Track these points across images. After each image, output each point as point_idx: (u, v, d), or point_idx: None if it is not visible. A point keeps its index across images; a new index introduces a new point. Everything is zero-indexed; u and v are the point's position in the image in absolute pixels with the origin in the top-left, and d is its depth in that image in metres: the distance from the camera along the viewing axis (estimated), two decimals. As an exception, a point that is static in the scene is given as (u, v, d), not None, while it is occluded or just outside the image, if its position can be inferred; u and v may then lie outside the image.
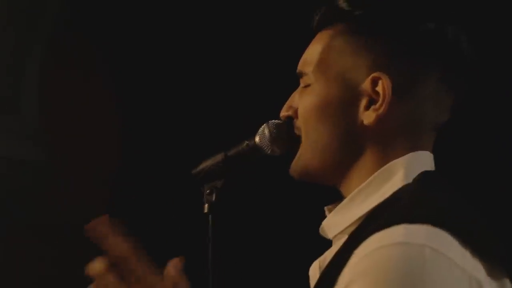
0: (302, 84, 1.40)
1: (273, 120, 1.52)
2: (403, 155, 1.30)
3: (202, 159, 1.64)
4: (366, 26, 1.32)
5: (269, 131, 1.51)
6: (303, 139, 1.39)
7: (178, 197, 2.53)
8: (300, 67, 1.41)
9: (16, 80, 2.81)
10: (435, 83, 1.32)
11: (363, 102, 1.31)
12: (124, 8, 2.85)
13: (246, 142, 1.56)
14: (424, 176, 1.27)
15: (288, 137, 1.45)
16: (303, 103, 1.38)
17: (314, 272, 1.35)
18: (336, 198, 1.42)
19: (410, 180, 1.27)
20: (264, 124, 1.53)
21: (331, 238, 1.34)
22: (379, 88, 1.29)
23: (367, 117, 1.30)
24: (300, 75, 1.41)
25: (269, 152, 1.52)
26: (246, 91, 2.71)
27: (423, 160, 1.31)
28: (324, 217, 1.41)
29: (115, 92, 2.85)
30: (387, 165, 1.29)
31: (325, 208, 1.42)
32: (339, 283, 1.14)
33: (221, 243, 1.60)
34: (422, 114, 1.32)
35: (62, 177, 2.80)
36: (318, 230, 1.41)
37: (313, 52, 1.38)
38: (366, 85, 1.31)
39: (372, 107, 1.30)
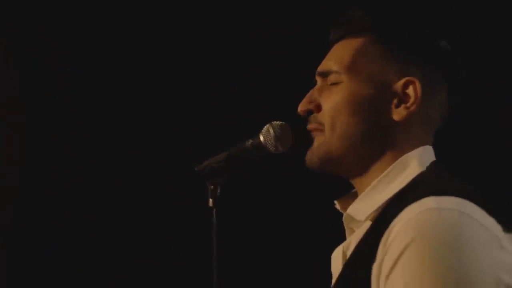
0: (327, 82, 1.55)
1: (275, 121, 1.64)
2: (413, 149, 1.49)
3: (205, 155, 1.73)
4: (393, 40, 1.53)
5: (274, 131, 1.63)
6: (328, 130, 1.52)
7: (184, 191, 2.58)
8: (326, 66, 1.56)
9: None
10: (445, 93, 1.54)
11: (394, 100, 1.50)
12: (127, 6, 2.88)
13: (251, 141, 1.67)
14: (436, 165, 1.49)
15: (303, 132, 1.58)
16: (333, 98, 1.52)
17: (337, 256, 1.51)
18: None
19: (424, 169, 1.46)
20: (268, 125, 1.66)
21: (361, 220, 1.47)
22: (409, 90, 1.49)
23: (398, 113, 1.49)
24: (326, 74, 1.55)
25: (273, 150, 1.65)
26: (246, 93, 2.77)
27: (430, 153, 1.52)
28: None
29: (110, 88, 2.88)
30: (403, 157, 1.48)
31: (336, 201, 1.57)
32: (379, 251, 1.30)
33: (225, 235, 1.69)
34: (434, 116, 1.53)
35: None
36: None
37: (342, 55, 1.54)
38: (397, 86, 1.50)
39: (403, 105, 1.49)
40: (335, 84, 1.53)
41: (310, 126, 1.55)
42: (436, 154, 1.53)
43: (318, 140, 1.53)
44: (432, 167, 1.47)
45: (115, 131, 2.89)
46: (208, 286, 1.69)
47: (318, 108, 1.54)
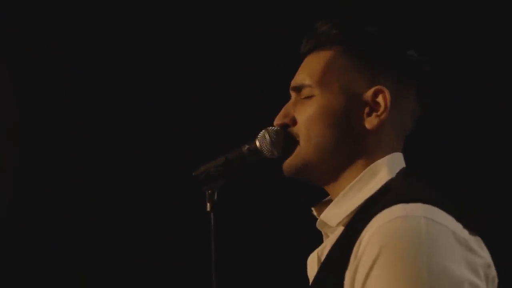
0: (301, 96, 1.61)
1: (271, 127, 1.67)
2: (383, 156, 1.55)
3: (202, 160, 1.76)
4: (361, 50, 1.58)
5: (269, 136, 1.67)
6: (303, 142, 1.58)
7: (181, 196, 2.60)
8: (299, 81, 1.61)
9: None
10: (413, 99, 1.60)
11: (366, 109, 1.55)
12: (126, 6, 2.89)
13: (247, 146, 1.71)
14: (405, 171, 1.55)
15: (285, 141, 1.63)
16: (307, 111, 1.58)
17: (313, 261, 1.57)
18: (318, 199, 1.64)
19: (393, 175, 1.52)
20: (263, 130, 1.70)
21: (333, 226, 1.53)
22: (379, 99, 1.55)
23: (370, 122, 1.54)
24: (299, 88, 1.61)
25: (268, 155, 1.68)
26: (242, 99, 2.80)
27: (399, 160, 1.58)
28: (311, 215, 1.63)
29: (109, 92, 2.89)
30: (373, 164, 1.54)
31: (312, 208, 1.65)
32: (351, 259, 1.35)
33: (223, 240, 1.73)
34: (404, 122, 1.60)
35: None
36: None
37: (313, 68, 1.60)
38: (367, 96, 1.55)
39: (374, 113, 1.54)
40: (308, 97, 1.58)
41: (292, 137, 1.61)
42: (407, 159, 1.58)
43: (298, 150, 1.59)
44: (401, 173, 1.53)
45: (114, 136, 2.90)
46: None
47: (293, 121, 1.60)
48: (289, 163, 1.60)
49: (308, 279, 1.58)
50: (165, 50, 2.91)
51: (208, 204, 1.73)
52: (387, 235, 1.31)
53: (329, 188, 1.60)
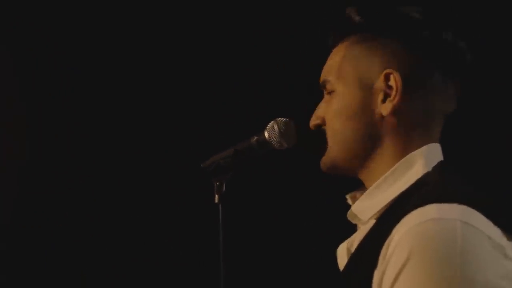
0: (326, 92, 1.59)
1: (280, 118, 1.67)
2: (419, 146, 1.48)
3: (210, 152, 1.76)
4: (375, 33, 1.53)
5: (278, 127, 1.66)
6: (330, 140, 1.56)
7: (190, 188, 2.59)
8: (323, 77, 1.59)
9: None
10: (439, 76, 1.51)
11: (380, 96, 1.50)
12: (126, 5, 2.90)
13: (256, 137, 1.70)
14: (442, 165, 1.47)
15: (319, 141, 1.59)
16: (330, 109, 1.55)
17: (342, 253, 1.54)
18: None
19: (430, 169, 1.45)
20: (272, 121, 1.69)
21: (364, 220, 1.50)
22: (391, 83, 1.49)
23: (384, 108, 1.49)
24: (324, 84, 1.59)
25: (277, 146, 1.68)
26: (251, 90, 2.79)
27: (437, 152, 1.51)
28: (344, 204, 1.60)
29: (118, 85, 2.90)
30: (408, 155, 1.47)
31: (347, 196, 1.60)
32: (380, 259, 1.30)
33: (231, 231, 1.72)
34: (431, 104, 1.51)
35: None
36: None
37: (333, 63, 1.57)
38: (380, 82, 1.50)
39: (388, 99, 1.49)
40: (332, 92, 1.56)
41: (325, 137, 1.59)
42: (446, 152, 1.52)
43: (328, 148, 1.57)
44: (438, 167, 1.46)
45: (119, 129, 2.89)
46: (215, 281, 1.72)
47: (324, 121, 1.58)
48: (323, 162, 1.58)
49: (335, 271, 1.55)
50: (163, 43, 2.90)
51: (216, 196, 1.73)
52: (417, 238, 1.26)
53: (363, 177, 1.55)
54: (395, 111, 1.49)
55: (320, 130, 1.59)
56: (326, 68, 1.60)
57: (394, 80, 1.48)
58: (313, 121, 1.60)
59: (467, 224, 1.26)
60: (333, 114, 1.54)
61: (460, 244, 1.23)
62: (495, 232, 1.29)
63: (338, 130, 1.53)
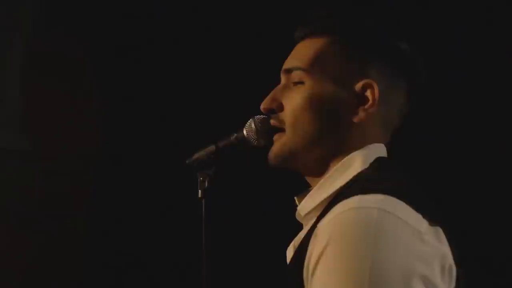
0: (291, 80, 1.58)
1: (258, 115, 1.68)
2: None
3: (194, 150, 1.79)
4: (355, 42, 1.56)
5: (255, 125, 1.67)
6: (289, 130, 1.56)
7: (173, 184, 2.63)
8: (290, 64, 1.59)
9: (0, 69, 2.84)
10: (403, 95, 1.58)
11: (354, 102, 1.53)
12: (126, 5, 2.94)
13: (235, 134, 1.72)
14: (377, 161, 1.51)
15: (270, 128, 1.62)
16: (295, 99, 1.55)
17: (289, 251, 1.57)
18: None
19: (366, 166, 1.49)
20: (250, 119, 1.70)
21: (302, 217, 1.54)
22: (368, 93, 1.52)
23: (357, 115, 1.52)
24: (290, 70, 1.58)
25: (255, 143, 1.69)
26: (232, 88, 2.82)
27: (377, 150, 1.54)
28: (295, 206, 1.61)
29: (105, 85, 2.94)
30: (350, 155, 1.51)
31: (295, 197, 1.63)
32: (309, 251, 1.34)
33: (214, 225, 1.75)
34: (391, 117, 1.57)
35: (47, 166, 2.85)
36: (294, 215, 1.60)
37: (306, 54, 1.57)
38: (357, 88, 1.53)
39: (361, 107, 1.52)
40: (298, 83, 1.56)
41: (273, 122, 1.60)
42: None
43: (279, 139, 1.57)
44: (374, 164, 1.49)
45: (110, 126, 2.95)
46: (198, 276, 1.75)
47: (280, 107, 1.58)
48: (275, 152, 1.58)
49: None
50: (156, 42, 2.94)
51: (200, 191, 1.76)
52: (337, 225, 1.29)
53: (310, 179, 1.59)
54: (366, 120, 1.52)
55: (272, 116, 1.59)
56: (294, 56, 1.60)
57: (372, 92, 1.52)
58: (268, 104, 1.59)
59: (384, 211, 1.29)
60: (299, 107, 1.54)
61: (375, 228, 1.27)
62: (415, 219, 1.32)
63: (302, 122, 1.53)
